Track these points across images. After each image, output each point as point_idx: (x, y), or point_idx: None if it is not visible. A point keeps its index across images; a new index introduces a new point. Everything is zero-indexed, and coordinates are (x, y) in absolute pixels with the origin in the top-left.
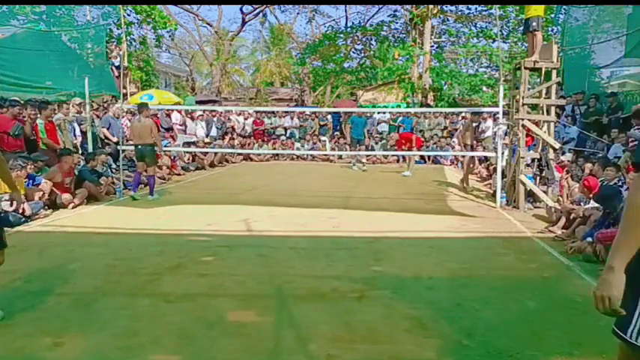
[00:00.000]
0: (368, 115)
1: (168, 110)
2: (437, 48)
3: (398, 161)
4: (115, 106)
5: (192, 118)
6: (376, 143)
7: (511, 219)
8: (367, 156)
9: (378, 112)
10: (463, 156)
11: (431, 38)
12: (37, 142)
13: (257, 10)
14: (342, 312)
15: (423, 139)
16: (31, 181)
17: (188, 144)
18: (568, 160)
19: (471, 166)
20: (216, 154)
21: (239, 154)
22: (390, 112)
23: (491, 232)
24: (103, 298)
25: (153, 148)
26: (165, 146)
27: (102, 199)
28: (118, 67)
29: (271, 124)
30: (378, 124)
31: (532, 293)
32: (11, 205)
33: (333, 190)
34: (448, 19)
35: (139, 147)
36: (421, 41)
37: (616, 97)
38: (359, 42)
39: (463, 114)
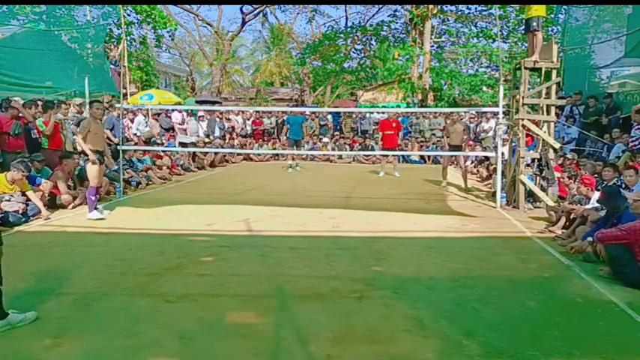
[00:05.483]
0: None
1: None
2: (437, 48)
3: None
4: (115, 106)
5: (196, 119)
6: (376, 143)
7: (511, 219)
8: (367, 156)
9: (378, 112)
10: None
11: (431, 38)
12: (38, 142)
13: (257, 10)
14: (342, 312)
15: (422, 138)
16: (30, 182)
17: (184, 144)
18: (573, 159)
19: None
20: (216, 154)
21: (239, 154)
22: (389, 112)
23: (492, 232)
24: (103, 298)
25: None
26: (166, 147)
27: (102, 199)
28: (117, 66)
29: (271, 124)
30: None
31: (532, 293)
32: None
33: (333, 190)
34: (448, 19)
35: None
36: (421, 41)
37: (612, 99)
38: (359, 42)
39: (463, 114)
